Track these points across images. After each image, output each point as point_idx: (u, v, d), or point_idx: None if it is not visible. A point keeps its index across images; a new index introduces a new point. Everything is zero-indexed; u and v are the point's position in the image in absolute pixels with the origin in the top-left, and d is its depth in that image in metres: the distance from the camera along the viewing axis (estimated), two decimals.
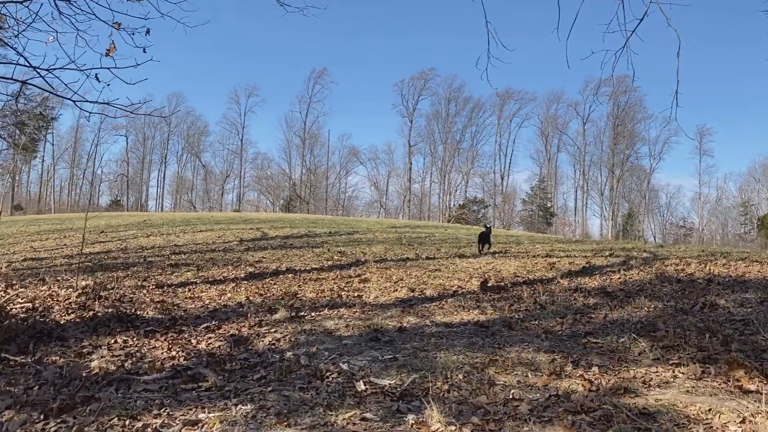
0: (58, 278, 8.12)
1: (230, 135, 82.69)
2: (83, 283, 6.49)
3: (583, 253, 13.74)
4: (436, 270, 10.13)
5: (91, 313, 5.36)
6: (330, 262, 11.12)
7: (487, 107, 77.88)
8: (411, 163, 77.37)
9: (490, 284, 8.62)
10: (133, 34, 5.35)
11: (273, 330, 5.25)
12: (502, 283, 8.77)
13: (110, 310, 5.56)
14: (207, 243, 16.29)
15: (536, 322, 5.81)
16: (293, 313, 5.88)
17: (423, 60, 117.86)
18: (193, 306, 6.67)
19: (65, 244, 17.72)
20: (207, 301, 7.05)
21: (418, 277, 9.36)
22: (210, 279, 9.31)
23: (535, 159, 79.67)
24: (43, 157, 79.93)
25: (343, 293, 7.80)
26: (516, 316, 6.20)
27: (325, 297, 7.45)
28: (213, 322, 5.51)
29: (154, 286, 8.38)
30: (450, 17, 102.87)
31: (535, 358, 4.45)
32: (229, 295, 7.53)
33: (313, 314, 6.09)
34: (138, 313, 5.65)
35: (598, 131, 75.23)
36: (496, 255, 12.46)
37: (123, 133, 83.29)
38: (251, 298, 7.31)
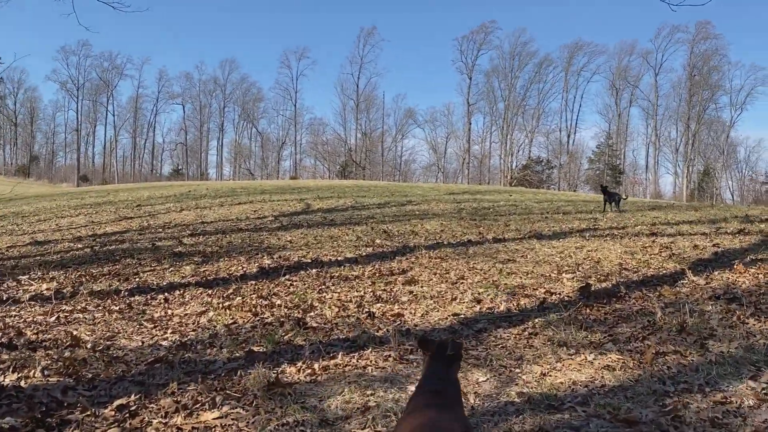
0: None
1: (284, 101, 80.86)
2: None
3: (693, 226, 10.70)
4: (509, 260, 7.49)
5: None
6: (370, 249, 8.65)
7: (553, 61, 72.32)
8: (470, 123, 73.05)
9: (593, 287, 5.93)
10: None
11: (229, 419, 2.85)
12: (609, 285, 6.07)
13: None
14: (239, 219, 14.18)
15: (720, 396, 3.14)
16: (276, 375, 3.42)
17: (483, 13, 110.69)
18: (139, 344, 4.35)
19: (92, 221, 16.09)
20: (170, 331, 4.72)
21: (485, 273, 6.78)
22: (208, 278, 7.06)
23: (603, 114, 73.87)
24: (105, 127, 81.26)
25: (376, 307, 5.33)
26: (667, 372, 3.55)
27: (349, 318, 5.00)
28: (134, 396, 3.14)
29: (126, 294, 6.19)
30: None
31: None
32: (211, 314, 5.18)
33: (315, 367, 3.63)
34: (11, 380, 3.37)
35: (678, 81, 68.50)
36: (586, 234, 9.65)
37: (179, 101, 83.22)
38: (238, 321, 4.94)
